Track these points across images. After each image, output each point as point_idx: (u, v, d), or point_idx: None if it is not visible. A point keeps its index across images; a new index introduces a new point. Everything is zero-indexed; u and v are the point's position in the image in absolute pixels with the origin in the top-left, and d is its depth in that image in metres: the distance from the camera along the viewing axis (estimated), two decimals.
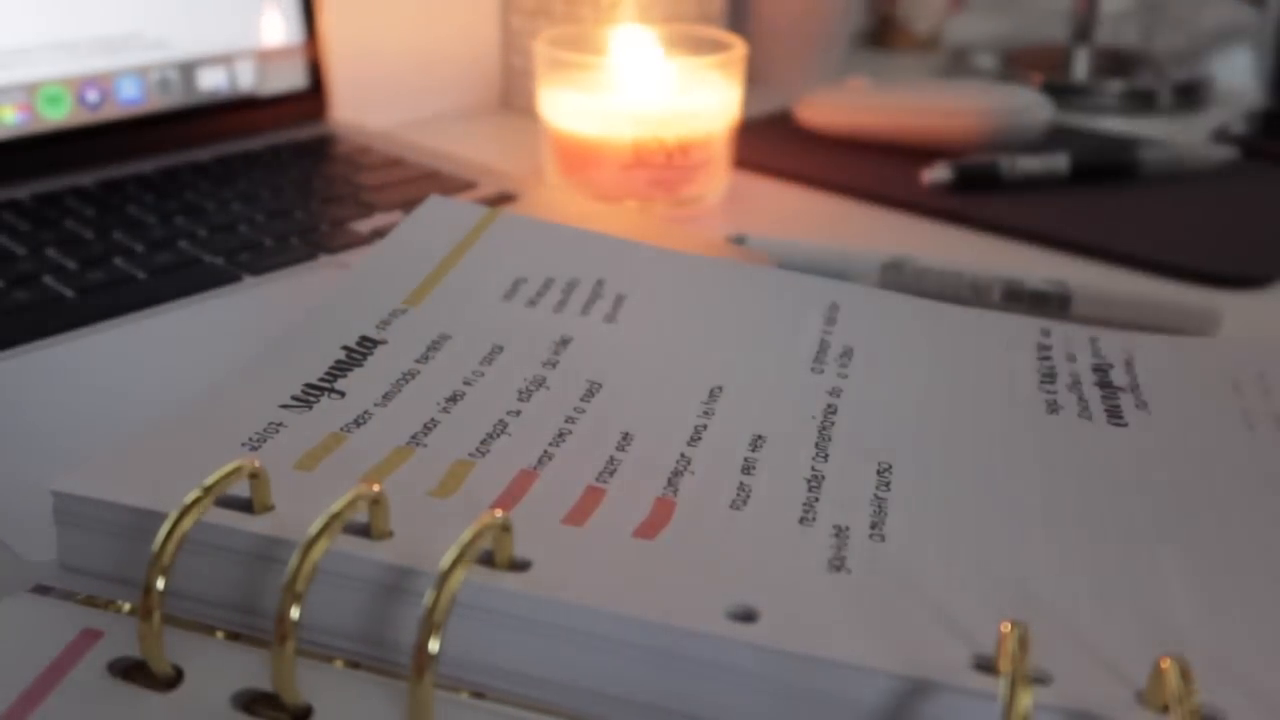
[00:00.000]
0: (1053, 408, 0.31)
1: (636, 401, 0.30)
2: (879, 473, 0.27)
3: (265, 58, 0.58)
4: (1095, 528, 0.26)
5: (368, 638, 0.23)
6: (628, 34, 0.55)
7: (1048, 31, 0.89)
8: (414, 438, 0.28)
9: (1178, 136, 0.65)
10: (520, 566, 0.23)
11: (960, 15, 0.96)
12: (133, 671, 0.22)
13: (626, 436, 0.29)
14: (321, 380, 0.30)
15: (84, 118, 0.53)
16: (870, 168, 0.58)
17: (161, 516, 0.22)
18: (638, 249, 0.39)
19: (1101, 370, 0.33)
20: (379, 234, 0.46)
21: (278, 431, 0.27)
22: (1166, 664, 0.20)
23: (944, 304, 0.37)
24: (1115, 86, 0.73)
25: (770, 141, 0.62)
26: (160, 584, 0.21)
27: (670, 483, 0.27)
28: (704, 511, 0.26)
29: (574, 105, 0.52)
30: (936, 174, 0.56)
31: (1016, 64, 0.78)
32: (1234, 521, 0.26)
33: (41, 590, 0.24)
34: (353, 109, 0.62)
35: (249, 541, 0.23)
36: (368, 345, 0.32)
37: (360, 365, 0.31)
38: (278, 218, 0.48)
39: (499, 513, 0.22)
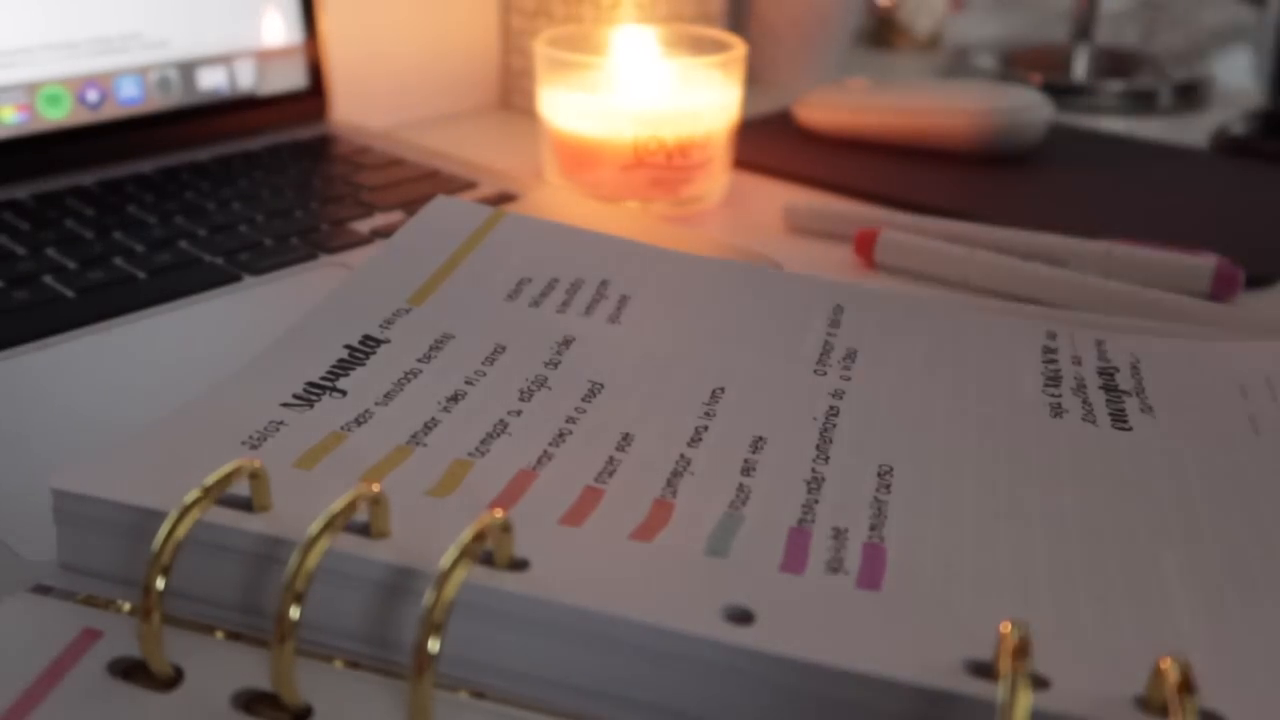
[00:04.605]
0: (1056, 411, 0.31)
1: (638, 402, 0.30)
2: (880, 475, 0.27)
3: (265, 58, 0.58)
4: (1097, 531, 0.25)
5: (368, 638, 0.23)
6: (627, 34, 0.55)
7: (1048, 31, 0.89)
8: (414, 437, 0.28)
9: (1177, 137, 0.65)
10: (519, 566, 0.23)
11: (960, 15, 0.96)
12: (133, 671, 0.22)
13: (627, 437, 0.29)
14: (324, 379, 0.30)
15: (84, 118, 0.52)
16: (870, 168, 0.58)
17: (161, 515, 0.22)
18: (643, 250, 0.39)
19: (1107, 374, 0.33)
20: (379, 234, 0.46)
21: (278, 430, 0.27)
22: (1167, 666, 0.19)
23: (949, 306, 0.37)
24: (1115, 86, 0.73)
25: (770, 141, 0.62)
26: (160, 584, 0.21)
27: (669, 484, 0.27)
28: (702, 512, 0.26)
29: (574, 105, 0.52)
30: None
31: (1016, 64, 0.78)
32: (1238, 526, 0.26)
33: (41, 590, 0.24)
34: (353, 109, 0.62)
35: (249, 541, 0.23)
36: (371, 344, 0.32)
37: (363, 364, 0.31)
38: (278, 218, 0.48)
39: (499, 513, 0.22)
